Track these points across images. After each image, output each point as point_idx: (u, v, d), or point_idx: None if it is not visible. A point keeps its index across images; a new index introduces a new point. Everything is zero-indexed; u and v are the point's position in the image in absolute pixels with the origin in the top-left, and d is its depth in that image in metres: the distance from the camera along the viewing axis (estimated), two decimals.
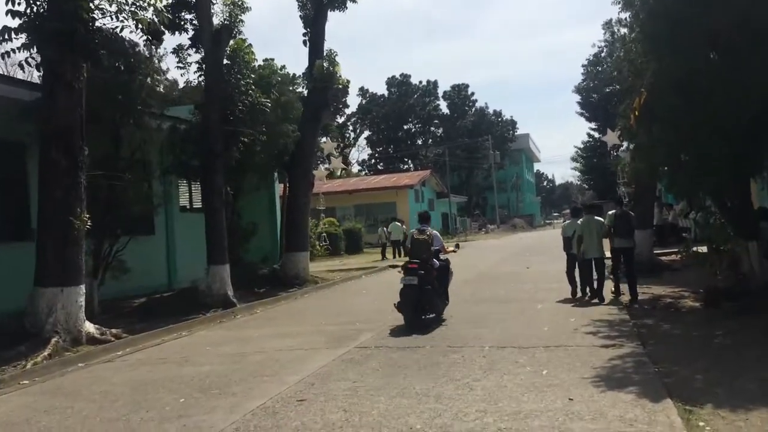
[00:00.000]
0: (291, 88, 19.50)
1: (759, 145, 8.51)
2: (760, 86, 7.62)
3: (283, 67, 19.57)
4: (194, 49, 15.66)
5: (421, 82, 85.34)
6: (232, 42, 15.19)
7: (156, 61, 13.66)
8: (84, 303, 9.95)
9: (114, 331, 10.43)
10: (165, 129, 15.44)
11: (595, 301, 11.46)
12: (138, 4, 10.52)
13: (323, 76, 18.70)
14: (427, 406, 5.45)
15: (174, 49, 15.58)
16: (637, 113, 8.98)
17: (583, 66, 77.91)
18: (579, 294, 12.10)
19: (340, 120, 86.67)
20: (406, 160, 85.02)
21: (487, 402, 5.49)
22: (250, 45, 15.62)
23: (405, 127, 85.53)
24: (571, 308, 10.83)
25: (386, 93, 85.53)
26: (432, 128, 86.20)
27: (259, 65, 16.81)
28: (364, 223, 43.74)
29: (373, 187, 50.56)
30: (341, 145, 21.38)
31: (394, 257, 28.98)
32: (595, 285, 11.73)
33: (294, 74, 19.28)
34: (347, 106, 18.53)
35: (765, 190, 9.42)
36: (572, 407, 5.19)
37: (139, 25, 10.60)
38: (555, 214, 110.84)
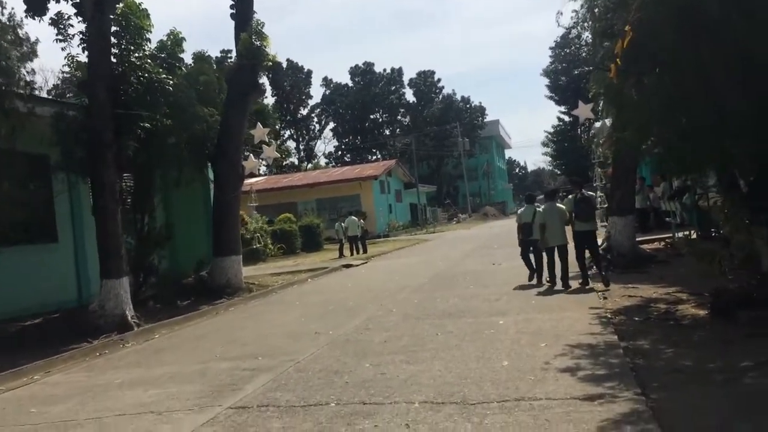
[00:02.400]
0: (215, 68, 16.82)
1: None
2: None
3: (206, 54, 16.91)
4: (79, 19, 12.81)
5: (385, 70, 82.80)
6: (120, 5, 12.39)
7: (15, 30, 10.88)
8: None
9: None
10: (50, 116, 12.70)
11: (560, 288, 11.28)
12: None
13: (250, 52, 15.98)
14: None
15: (52, 18, 12.69)
16: (619, 61, 6.50)
17: (551, 48, 76.00)
18: (535, 281, 12.14)
19: (304, 111, 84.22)
20: (373, 150, 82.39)
21: None
22: (146, 10, 12.83)
23: (371, 116, 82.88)
24: (541, 323, 8.34)
25: (350, 82, 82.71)
26: (399, 117, 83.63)
27: (161, 39, 14.03)
28: (327, 217, 41.10)
29: (335, 180, 47.91)
30: (278, 130, 18.53)
31: (352, 254, 26.41)
32: (560, 272, 11.51)
33: (208, 54, 16.51)
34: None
35: None
36: None
37: None
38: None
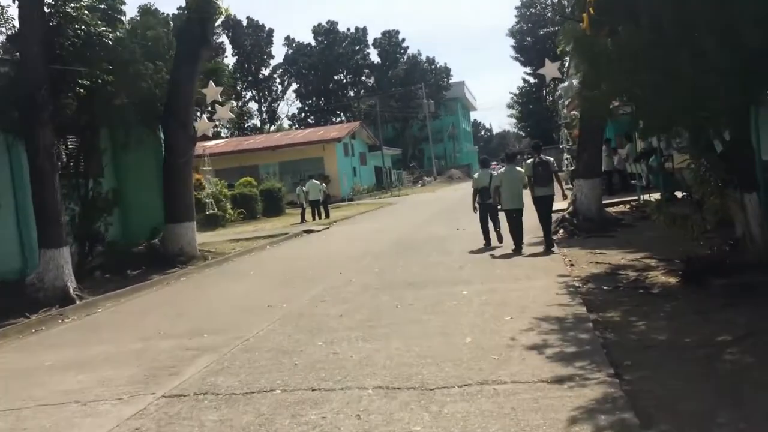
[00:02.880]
0: (163, 23, 15.76)
1: None
2: None
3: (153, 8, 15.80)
4: None
5: (349, 29, 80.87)
6: None
7: None
8: None
9: None
10: None
11: (512, 250, 11.24)
12: None
13: (200, 4, 14.97)
14: None
15: None
16: (592, 11, 5.93)
17: (516, 8, 75.16)
18: (491, 244, 12.12)
19: (266, 71, 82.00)
20: (337, 112, 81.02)
21: None
22: None
23: (335, 77, 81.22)
24: (506, 293, 7.91)
25: (313, 42, 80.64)
26: (363, 78, 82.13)
27: None
28: (290, 181, 40.19)
29: (298, 142, 46.82)
30: (234, 89, 17.57)
31: (314, 219, 25.74)
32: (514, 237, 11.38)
33: (155, 8, 15.43)
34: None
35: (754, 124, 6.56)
36: None
37: None
38: (493, 163, 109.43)
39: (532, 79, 75.96)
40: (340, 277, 10.55)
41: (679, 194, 14.95)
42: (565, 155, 18.90)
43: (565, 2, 8.73)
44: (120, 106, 14.07)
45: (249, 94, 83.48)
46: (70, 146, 14.06)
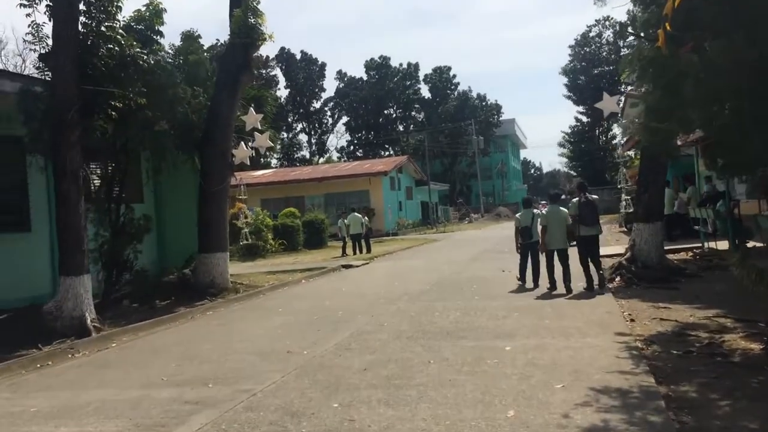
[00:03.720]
0: (204, 48, 15.45)
1: None
2: None
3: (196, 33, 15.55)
4: None
5: (401, 64, 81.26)
6: None
7: None
8: None
9: None
10: (16, 92, 11.42)
11: (560, 292, 11.03)
12: None
13: (243, 29, 14.61)
14: None
15: None
16: (668, 26, 5.00)
17: (570, 47, 74.48)
18: (527, 284, 12.08)
19: (317, 104, 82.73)
20: (386, 146, 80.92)
21: None
22: None
23: (385, 111, 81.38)
24: (556, 351, 6.86)
25: (365, 76, 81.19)
26: (413, 113, 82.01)
27: (138, 9, 12.61)
28: (335, 213, 39.68)
29: (344, 174, 46.44)
30: (271, 115, 17.05)
31: (355, 253, 24.98)
32: (563, 276, 11.26)
33: (198, 33, 15.13)
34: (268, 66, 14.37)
35: None
36: None
37: None
38: (543, 202, 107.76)
39: (584, 119, 74.59)
40: (372, 320, 9.65)
41: (751, 244, 13.60)
42: (624, 196, 17.61)
43: (629, 22, 7.78)
44: (157, 131, 13.68)
45: (299, 126, 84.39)
46: (103, 170, 13.67)
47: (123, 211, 13.59)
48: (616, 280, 12.27)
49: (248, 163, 15.74)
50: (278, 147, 18.79)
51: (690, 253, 15.87)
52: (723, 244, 15.28)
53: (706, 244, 15.69)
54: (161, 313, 12.34)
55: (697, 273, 12.56)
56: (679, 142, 13.57)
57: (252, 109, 15.30)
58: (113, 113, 11.46)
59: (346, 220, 25.65)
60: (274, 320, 10.47)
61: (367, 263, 21.45)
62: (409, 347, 7.55)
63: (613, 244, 21.13)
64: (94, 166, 13.67)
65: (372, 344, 7.87)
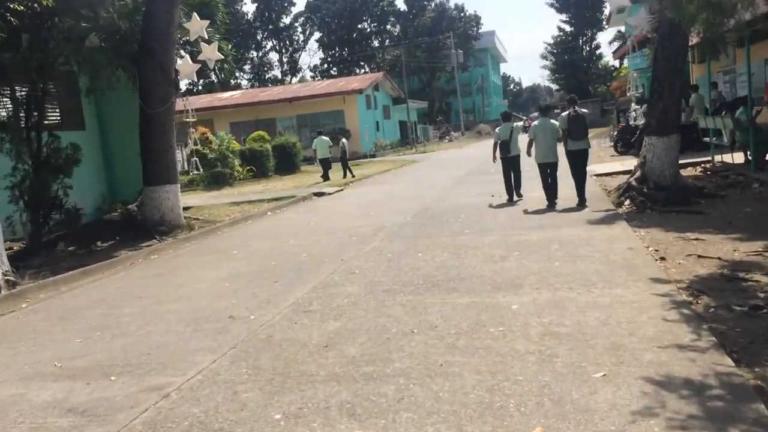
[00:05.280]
0: None
1: None
2: None
3: None
4: None
5: None
6: None
7: None
8: None
9: None
10: None
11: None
12: None
13: None
14: None
15: None
16: None
17: None
18: (515, 198, 12.29)
19: (287, 20, 78.07)
20: (362, 63, 77.35)
21: None
22: None
23: (359, 26, 77.21)
24: (580, 312, 5.18)
25: None
26: (389, 27, 77.94)
27: None
28: (308, 135, 37.38)
29: (317, 94, 43.74)
30: (224, 25, 14.57)
31: (324, 179, 23.10)
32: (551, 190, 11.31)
33: None
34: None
35: None
36: None
37: None
38: (523, 117, 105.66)
39: (568, 27, 71.43)
40: (341, 266, 7.90)
41: None
42: (633, 105, 15.72)
43: None
44: (83, 44, 11.47)
45: (269, 44, 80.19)
46: (19, 94, 11.48)
47: (46, 140, 11.50)
48: (626, 203, 10.61)
49: (195, 79, 13.68)
50: (230, 59, 16.07)
51: (698, 168, 14.24)
52: (737, 157, 13.64)
53: (720, 157, 14.02)
54: (99, 258, 10.56)
55: (716, 192, 10.93)
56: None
57: (195, 14, 12.95)
58: (12, 19, 9.20)
59: (313, 145, 23.74)
60: (224, 267, 8.68)
61: (342, 190, 19.61)
62: (386, 307, 5.82)
63: (609, 161, 19.46)
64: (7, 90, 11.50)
65: (338, 303, 6.14)
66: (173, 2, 12.56)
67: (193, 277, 8.33)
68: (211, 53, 13.06)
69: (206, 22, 12.96)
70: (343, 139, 24.98)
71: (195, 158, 21.11)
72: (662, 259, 6.76)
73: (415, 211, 12.44)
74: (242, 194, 20.48)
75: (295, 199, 17.37)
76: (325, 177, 23.13)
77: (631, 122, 16.35)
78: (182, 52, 13.23)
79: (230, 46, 15.56)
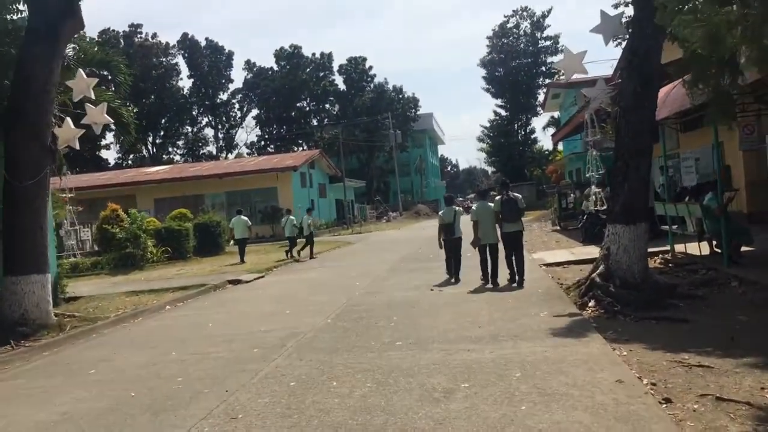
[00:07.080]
0: None
1: None
2: None
3: None
4: None
5: (314, 54, 76.71)
6: None
7: None
8: None
9: None
10: None
11: (489, 286, 11.23)
12: None
13: None
14: None
15: None
16: None
17: (488, 38, 72.43)
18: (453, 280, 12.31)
19: (224, 96, 76.57)
20: (299, 141, 76.24)
21: None
22: None
23: (297, 104, 76.52)
24: None
25: (276, 66, 75.99)
26: (327, 106, 77.60)
27: None
28: (234, 214, 35.04)
29: (249, 170, 41.86)
30: (126, 88, 12.49)
31: (242, 261, 20.91)
32: (491, 271, 11.55)
33: None
34: None
35: None
36: None
37: None
38: (460, 198, 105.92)
39: (503, 112, 72.72)
40: (221, 404, 5.61)
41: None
42: (593, 188, 14.27)
43: None
44: None
45: (205, 120, 78.37)
46: None
47: None
48: (590, 305, 8.79)
49: (77, 147, 11.27)
50: (132, 128, 14.12)
51: (657, 260, 12.72)
52: (700, 247, 12.20)
53: (678, 247, 12.58)
54: None
55: (693, 292, 9.26)
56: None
57: (81, 70, 10.86)
58: None
59: (230, 224, 22.08)
60: (62, 401, 6.22)
61: (262, 276, 17.32)
62: None
63: (554, 247, 17.96)
64: None
65: None
66: (54, 53, 10.47)
67: (9, 419, 5.84)
68: (97, 116, 10.90)
69: (94, 81, 10.86)
70: (306, 216, 23.30)
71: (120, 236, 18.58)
72: (667, 400, 4.82)
73: (339, 308, 10.28)
74: (149, 280, 17.93)
75: (205, 289, 14.95)
76: (242, 260, 21.09)
77: (591, 208, 14.85)
78: (62, 115, 11.01)
79: (131, 113, 13.45)
